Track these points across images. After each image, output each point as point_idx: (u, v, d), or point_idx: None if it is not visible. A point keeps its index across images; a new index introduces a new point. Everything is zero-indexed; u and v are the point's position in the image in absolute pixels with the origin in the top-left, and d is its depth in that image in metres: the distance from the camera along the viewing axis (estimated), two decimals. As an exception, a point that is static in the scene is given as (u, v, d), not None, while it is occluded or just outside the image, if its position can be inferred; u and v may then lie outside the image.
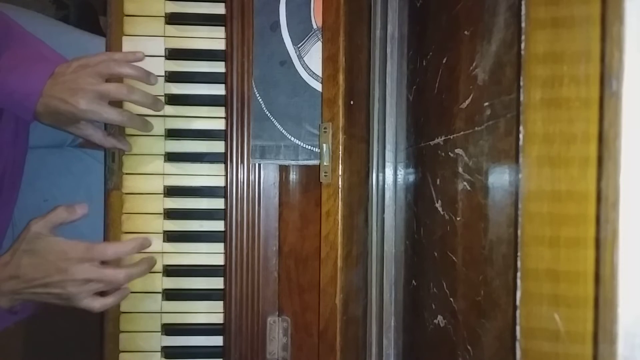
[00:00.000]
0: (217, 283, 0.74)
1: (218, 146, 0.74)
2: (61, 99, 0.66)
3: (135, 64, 0.70)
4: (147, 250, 0.71)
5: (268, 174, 0.72)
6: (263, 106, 0.71)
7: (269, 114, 0.71)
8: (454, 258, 0.50)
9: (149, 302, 0.74)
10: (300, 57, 0.71)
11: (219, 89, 0.74)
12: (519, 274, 0.34)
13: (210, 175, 0.75)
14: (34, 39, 0.74)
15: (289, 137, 0.71)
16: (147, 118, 0.73)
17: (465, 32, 0.49)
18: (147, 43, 0.74)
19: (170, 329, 0.74)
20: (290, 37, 0.71)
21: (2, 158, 0.76)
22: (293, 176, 0.73)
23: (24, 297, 0.67)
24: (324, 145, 0.60)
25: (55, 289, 0.65)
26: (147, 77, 0.70)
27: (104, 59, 0.69)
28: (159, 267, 0.73)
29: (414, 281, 0.61)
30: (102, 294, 0.68)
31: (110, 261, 0.68)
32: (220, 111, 0.74)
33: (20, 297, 0.67)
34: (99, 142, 0.72)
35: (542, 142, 0.33)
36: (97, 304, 0.67)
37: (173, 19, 0.74)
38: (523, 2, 0.35)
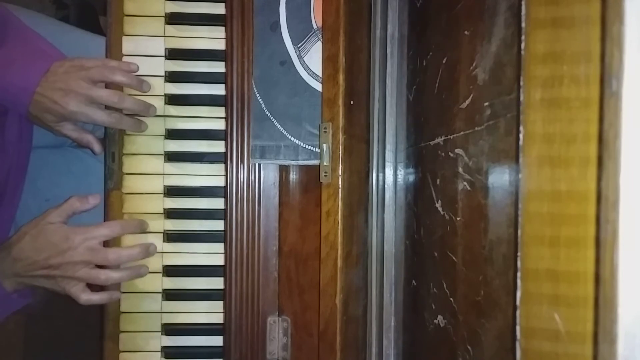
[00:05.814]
0: (217, 283, 0.74)
1: (218, 146, 0.74)
2: (51, 99, 0.67)
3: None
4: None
5: (268, 174, 0.72)
6: (263, 106, 0.71)
7: (269, 114, 0.71)
8: (454, 258, 0.50)
9: (149, 302, 0.74)
10: (300, 57, 0.71)
11: (219, 89, 0.74)
12: (519, 274, 0.34)
13: (210, 175, 0.75)
14: (33, 34, 0.74)
15: (289, 137, 0.71)
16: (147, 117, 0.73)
17: (465, 32, 0.49)
18: (147, 43, 0.74)
19: (170, 329, 0.74)
20: (290, 37, 0.71)
21: (6, 158, 0.76)
22: (293, 176, 0.73)
23: (26, 282, 0.69)
24: (324, 145, 0.60)
25: (54, 271, 0.67)
26: (140, 85, 0.71)
27: (98, 64, 0.69)
28: (159, 267, 0.73)
29: (414, 281, 0.61)
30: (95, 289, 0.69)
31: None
32: (220, 111, 0.74)
33: (23, 281, 0.69)
34: (76, 139, 0.73)
35: (542, 142, 0.33)
36: (84, 296, 0.69)
37: (173, 19, 0.74)
38: (523, 2, 0.35)
